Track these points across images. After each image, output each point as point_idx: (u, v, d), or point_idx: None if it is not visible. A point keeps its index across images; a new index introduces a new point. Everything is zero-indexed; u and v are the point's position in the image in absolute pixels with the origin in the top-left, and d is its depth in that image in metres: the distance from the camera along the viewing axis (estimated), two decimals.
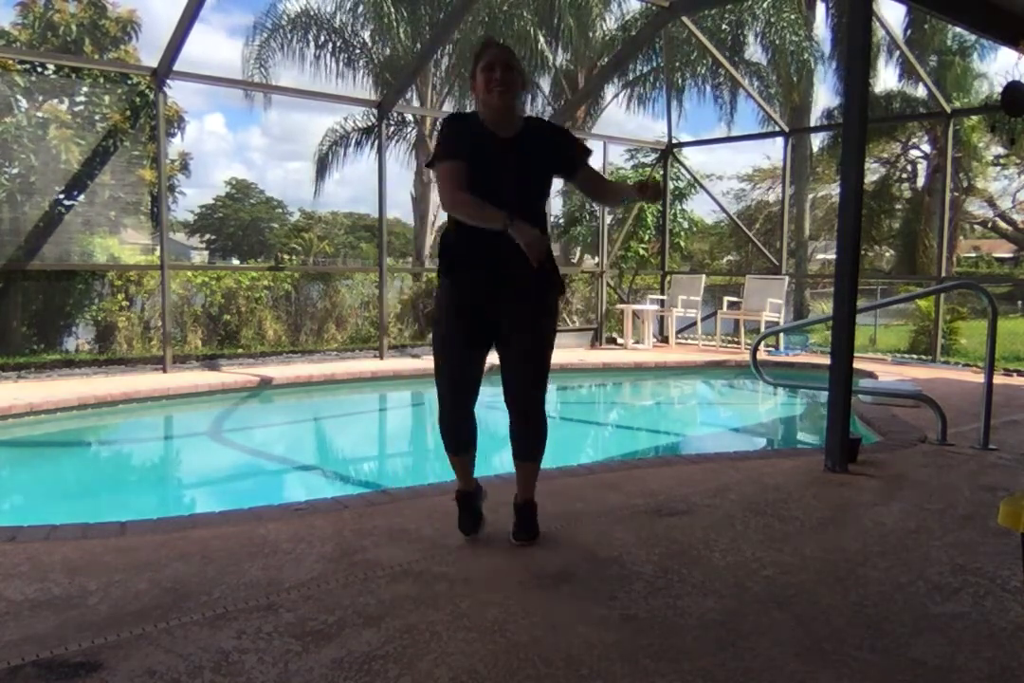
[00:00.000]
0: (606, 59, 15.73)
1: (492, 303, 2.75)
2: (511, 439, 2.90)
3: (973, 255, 30.67)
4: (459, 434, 2.90)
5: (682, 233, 12.72)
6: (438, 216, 18.03)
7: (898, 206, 21.18)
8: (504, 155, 2.69)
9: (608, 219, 11.54)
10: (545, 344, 2.82)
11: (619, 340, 10.77)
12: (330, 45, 15.50)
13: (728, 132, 16.35)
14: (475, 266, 2.73)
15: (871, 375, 7.50)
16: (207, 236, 45.22)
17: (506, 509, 3.18)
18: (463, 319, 2.78)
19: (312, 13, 15.32)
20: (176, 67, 7.32)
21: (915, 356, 9.77)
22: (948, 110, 9.43)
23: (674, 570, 2.66)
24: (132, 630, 2.17)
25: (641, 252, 12.00)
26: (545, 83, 17.14)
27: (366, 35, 15.85)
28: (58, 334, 8.49)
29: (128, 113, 8.41)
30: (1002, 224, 24.15)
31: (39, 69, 8.15)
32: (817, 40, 15.92)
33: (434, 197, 17.01)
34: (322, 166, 17.19)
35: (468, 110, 3.09)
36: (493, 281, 2.72)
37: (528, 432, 2.87)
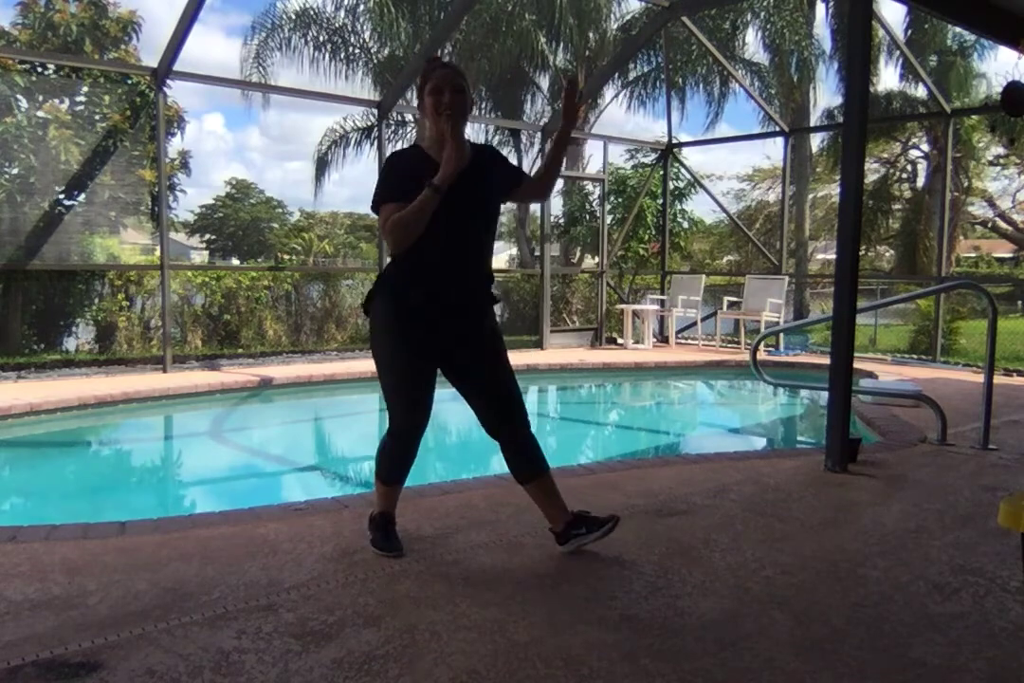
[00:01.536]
0: (606, 59, 15.74)
1: (434, 333, 2.67)
2: (509, 464, 2.81)
3: (973, 255, 30.66)
4: (404, 465, 2.80)
5: (682, 233, 12.72)
6: None
7: (898, 206, 21.17)
8: (468, 184, 2.60)
9: (608, 219, 11.54)
10: (506, 364, 2.78)
11: (619, 340, 10.77)
12: (329, 45, 15.50)
13: (711, 130, 16.37)
14: (417, 294, 2.64)
15: (871, 375, 7.50)
16: (207, 236, 45.20)
17: (506, 509, 3.18)
18: (419, 370, 2.69)
19: (312, 13, 15.31)
20: (175, 67, 7.33)
21: (915, 356, 9.77)
22: (948, 110, 9.43)
23: (674, 570, 2.66)
24: (132, 630, 2.17)
25: (641, 252, 11.99)
26: (545, 83, 17.14)
27: (366, 35, 15.85)
28: (58, 334, 8.48)
29: (128, 113, 8.40)
30: (1002, 224, 24.14)
31: (39, 69, 8.15)
32: (817, 40, 15.92)
33: None
34: (322, 166, 17.19)
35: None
36: (433, 310, 2.65)
37: (524, 452, 2.79)
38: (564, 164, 3.03)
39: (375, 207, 2.63)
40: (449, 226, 2.59)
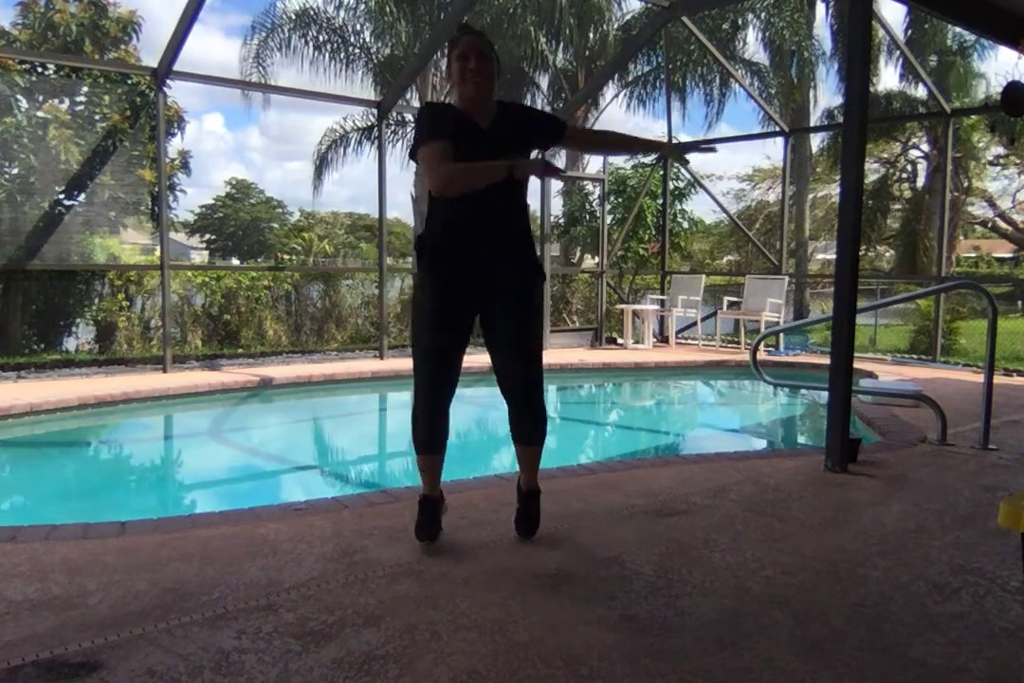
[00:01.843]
0: (606, 59, 15.74)
1: (475, 294, 2.76)
2: (511, 424, 2.88)
3: (973, 255, 30.66)
4: (433, 430, 2.84)
5: (682, 233, 12.73)
6: None
7: (898, 206, 21.18)
8: (484, 143, 2.68)
9: (608, 219, 11.54)
10: (535, 326, 2.84)
11: (619, 340, 10.77)
12: (329, 45, 15.50)
13: (709, 130, 16.38)
14: (457, 261, 2.73)
15: (871, 375, 7.50)
16: (207, 236, 45.21)
17: (506, 509, 3.18)
18: (443, 313, 2.75)
19: (312, 13, 15.31)
20: (175, 67, 7.33)
21: (915, 356, 9.77)
22: (948, 110, 9.43)
23: (674, 570, 2.66)
24: (132, 630, 2.17)
25: (641, 252, 12.00)
26: (545, 83, 17.15)
27: (366, 35, 15.86)
28: (58, 334, 8.49)
29: (128, 113, 8.40)
30: (1002, 224, 24.14)
31: (39, 69, 8.15)
32: (817, 40, 15.93)
33: None
34: (321, 166, 17.20)
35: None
36: (475, 274, 2.73)
37: (526, 415, 2.85)
38: (620, 149, 3.06)
39: (415, 150, 2.68)
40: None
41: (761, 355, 7.04)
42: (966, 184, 19.69)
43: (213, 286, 9.29)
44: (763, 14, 15.22)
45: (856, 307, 4.13)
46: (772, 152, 28.05)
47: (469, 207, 2.68)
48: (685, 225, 12.80)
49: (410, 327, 2.90)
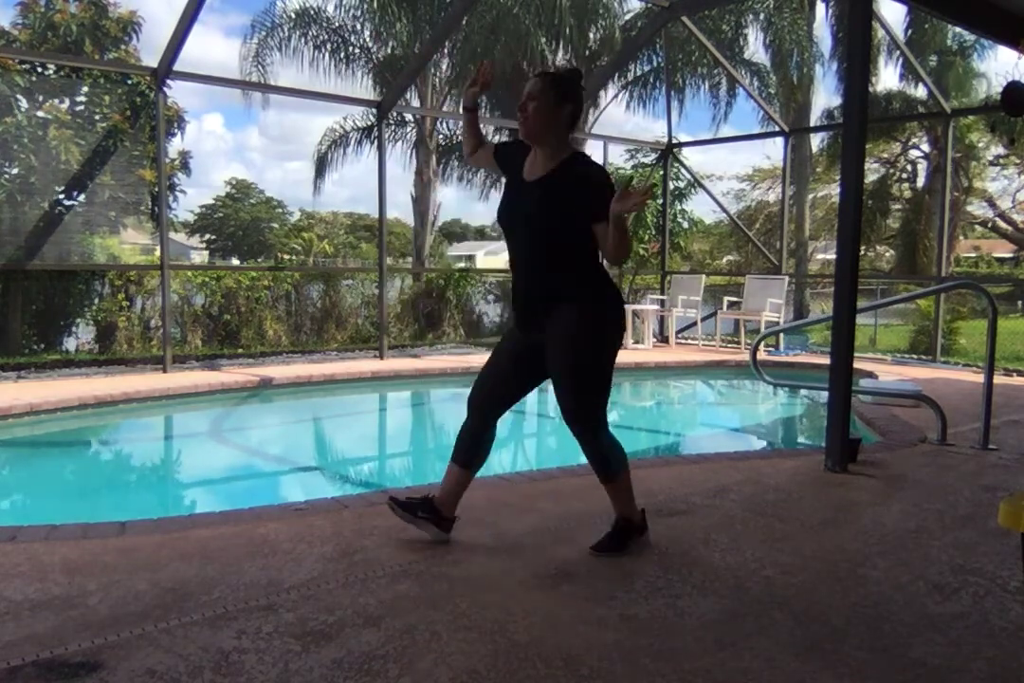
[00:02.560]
0: (606, 59, 15.73)
1: (530, 330, 2.81)
2: (483, 449, 2.94)
3: (973, 255, 30.66)
4: (472, 446, 2.87)
5: (682, 233, 12.73)
6: (438, 216, 18.02)
7: (898, 206, 21.17)
8: (520, 196, 2.74)
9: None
10: (573, 366, 2.70)
11: None
12: (329, 44, 15.48)
13: (718, 131, 16.36)
14: (513, 295, 2.87)
15: (871, 375, 7.50)
16: (207, 236, 45.22)
17: (506, 509, 3.18)
18: (508, 336, 2.94)
19: (312, 12, 15.30)
20: (175, 67, 7.32)
21: (915, 356, 9.77)
22: (948, 110, 9.43)
23: (674, 570, 2.66)
24: (132, 630, 2.17)
25: (641, 252, 12.00)
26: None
27: (366, 35, 15.84)
28: (58, 334, 8.48)
29: (128, 113, 8.40)
30: (1002, 224, 24.13)
31: (39, 69, 8.15)
32: (817, 40, 15.92)
33: (434, 197, 17.01)
34: (321, 166, 17.17)
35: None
36: (524, 314, 2.82)
37: (586, 453, 2.84)
38: (619, 243, 2.72)
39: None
40: (508, 230, 2.79)
41: (761, 355, 7.04)
42: (966, 184, 19.69)
43: (213, 286, 9.29)
44: (763, 14, 15.20)
45: (856, 307, 4.14)
46: (772, 152, 28.05)
47: (511, 254, 2.86)
48: (685, 225, 12.81)
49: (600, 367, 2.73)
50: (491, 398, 2.88)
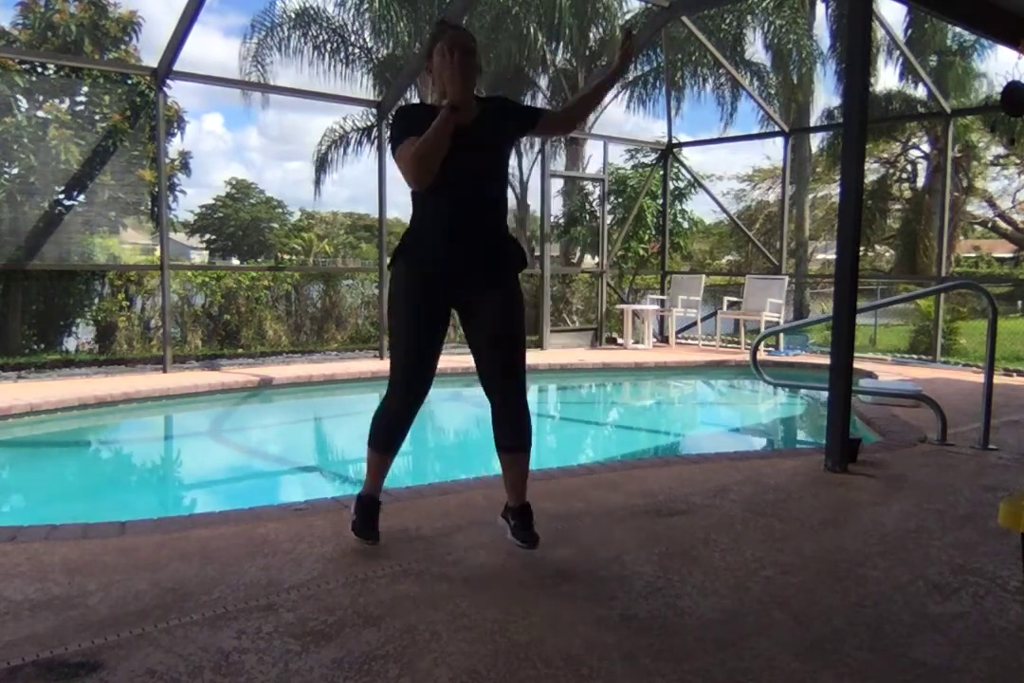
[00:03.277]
0: (606, 59, 15.73)
1: (452, 288, 2.72)
2: (495, 428, 2.80)
3: (973, 255, 30.66)
4: (399, 431, 2.83)
5: (682, 233, 12.73)
6: None
7: (898, 206, 21.18)
8: (460, 142, 2.56)
9: (608, 219, 11.54)
10: (517, 331, 2.76)
11: (619, 340, 10.77)
12: (329, 44, 15.48)
13: (723, 132, 16.37)
14: (433, 251, 2.69)
15: (871, 375, 7.50)
16: (207, 236, 45.18)
17: None
18: (421, 308, 2.71)
19: (312, 12, 15.30)
20: (175, 67, 7.33)
21: (915, 356, 9.78)
22: (948, 110, 9.43)
23: (674, 570, 2.66)
24: (132, 630, 2.17)
25: (641, 252, 12.00)
26: (545, 83, 17.14)
27: (366, 35, 15.84)
28: (58, 334, 8.48)
29: (128, 113, 8.40)
30: (1002, 224, 24.14)
31: (39, 69, 8.15)
32: (817, 40, 15.92)
33: None
34: (321, 166, 17.18)
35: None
36: (452, 265, 2.69)
37: (511, 418, 2.78)
38: (597, 97, 2.96)
39: (393, 150, 2.62)
40: (454, 181, 2.60)
41: (761, 355, 7.04)
42: (966, 184, 19.69)
43: (213, 286, 9.29)
44: (762, 14, 15.20)
45: (856, 307, 4.13)
46: (772, 152, 28.06)
47: (448, 209, 2.67)
48: (685, 225, 12.81)
49: (389, 321, 2.80)
50: (428, 378, 2.79)
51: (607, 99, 17.43)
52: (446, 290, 2.72)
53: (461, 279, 2.71)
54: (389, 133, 2.71)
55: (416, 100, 16.20)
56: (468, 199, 2.68)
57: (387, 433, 2.85)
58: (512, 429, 2.78)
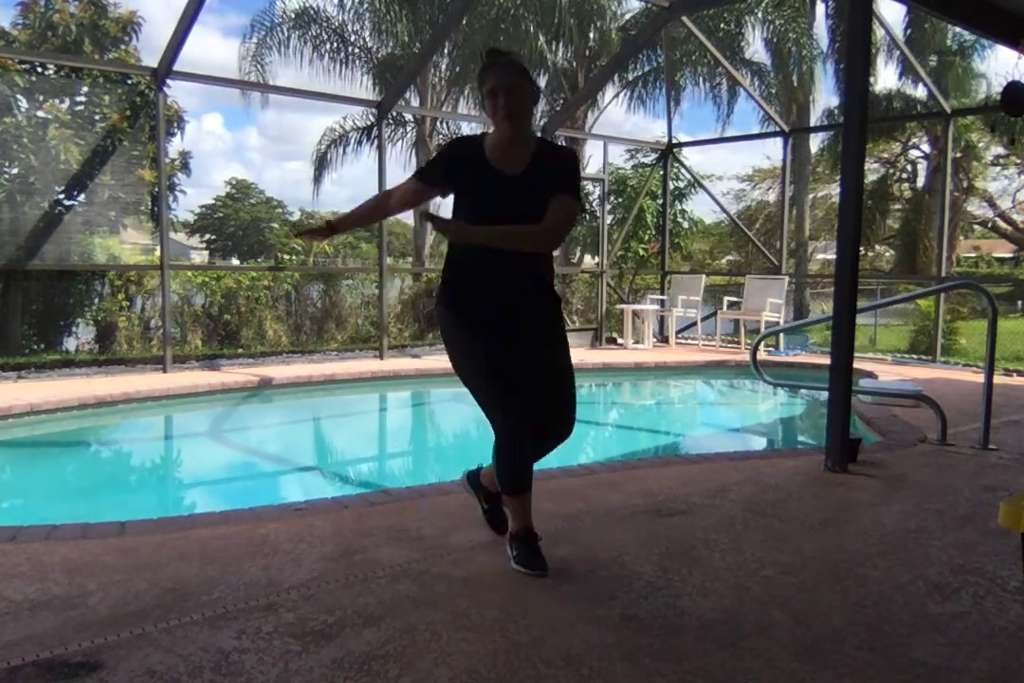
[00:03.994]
0: (606, 59, 15.73)
1: (502, 331, 2.63)
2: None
3: (973, 255, 30.66)
4: (526, 466, 2.66)
5: (682, 233, 12.73)
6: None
7: (898, 206, 21.17)
8: (511, 194, 2.53)
9: (608, 219, 11.54)
10: (557, 369, 2.71)
11: (619, 340, 10.77)
12: (329, 44, 15.48)
13: (723, 132, 16.38)
14: (481, 302, 2.62)
15: (871, 375, 7.50)
16: (207, 236, 45.18)
17: (507, 510, 3.17)
18: (477, 346, 2.61)
19: (311, 12, 15.29)
20: (175, 67, 7.33)
21: (915, 356, 9.77)
22: (948, 110, 9.43)
23: (674, 570, 2.66)
24: (132, 630, 2.17)
25: (641, 252, 12.00)
26: (545, 83, 17.12)
27: (366, 35, 15.84)
28: (58, 334, 8.48)
29: (128, 113, 8.40)
30: (1002, 224, 24.14)
31: (39, 69, 8.15)
32: (817, 40, 15.91)
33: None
34: (321, 166, 17.17)
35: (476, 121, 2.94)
36: (501, 312, 2.62)
37: (548, 452, 2.79)
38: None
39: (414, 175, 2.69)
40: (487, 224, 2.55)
41: (761, 355, 7.04)
42: (966, 184, 19.69)
43: (213, 286, 9.29)
44: (762, 14, 15.20)
45: (856, 307, 4.13)
46: (772, 152, 28.05)
47: (483, 253, 2.57)
48: (685, 225, 12.81)
49: (462, 377, 2.66)
50: (522, 407, 2.63)
51: (607, 99, 17.44)
52: (493, 325, 2.62)
53: (495, 318, 2.63)
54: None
55: (415, 101, 16.21)
56: (502, 252, 2.55)
57: (507, 474, 2.66)
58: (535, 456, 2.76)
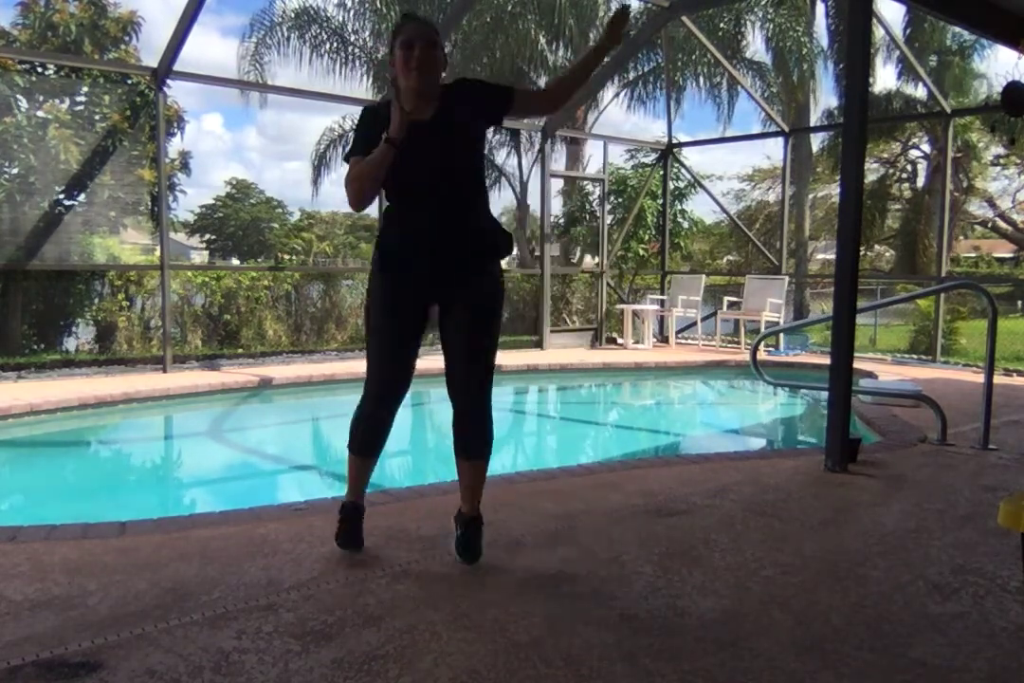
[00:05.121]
0: (606, 59, 15.72)
1: (428, 288, 2.64)
2: (457, 434, 2.74)
3: (973, 255, 30.66)
4: (376, 434, 2.74)
5: (682, 233, 12.72)
6: None
7: (898, 206, 21.17)
8: (425, 140, 2.48)
9: (608, 219, 11.54)
10: (487, 334, 2.69)
11: (619, 340, 10.77)
12: (328, 44, 15.47)
13: (724, 132, 16.37)
14: (406, 258, 2.61)
15: (871, 375, 7.50)
16: (207, 236, 45.20)
17: (507, 509, 3.18)
18: (395, 308, 2.65)
19: (311, 11, 15.29)
20: (175, 67, 7.33)
21: (915, 356, 9.77)
22: (948, 110, 9.43)
23: (674, 570, 2.66)
24: (132, 630, 2.17)
25: (641, 252, 11.99)
26: (544, 83, 17.12)
27: (366, 34, 15.84)
28: (58, 334, 8.47)
29: (128, 113, 8.40)
30: (1002, 224, 24.14)
31: (39, 69, 8.14)
32: (818, 40, 15.91)
33: None
34: (320, 166, 17.17)
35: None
36: (427, 268, 2.60)
37: (473, 427, 2.72)
38: (585, 83, 2.74)
39: (346, 160, 2.58)
40: (418, 178, 2.52)
41: (761, 355, 7.04)
42: (966, 184, 19.69)
43: (213, 286, 9.28)
44: (762, 13, 15.20)
45: (856, 307, 4.14)
46: (772, 152, 28.04)
47: (415, 205, 2.58)
48: (685, 225, 12.79)
49: (366, 323, 2.75)
50: (405, 379, 2.72)
51: (607, 99, 17.43)
52: (422, 289, 2.64)
53: (437, 278, 2.62)
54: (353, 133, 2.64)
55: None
56: (440, 198, 2.55)
57: (364, 435, 2.75)
58: (476, 436, 2.72)
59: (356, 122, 2.66)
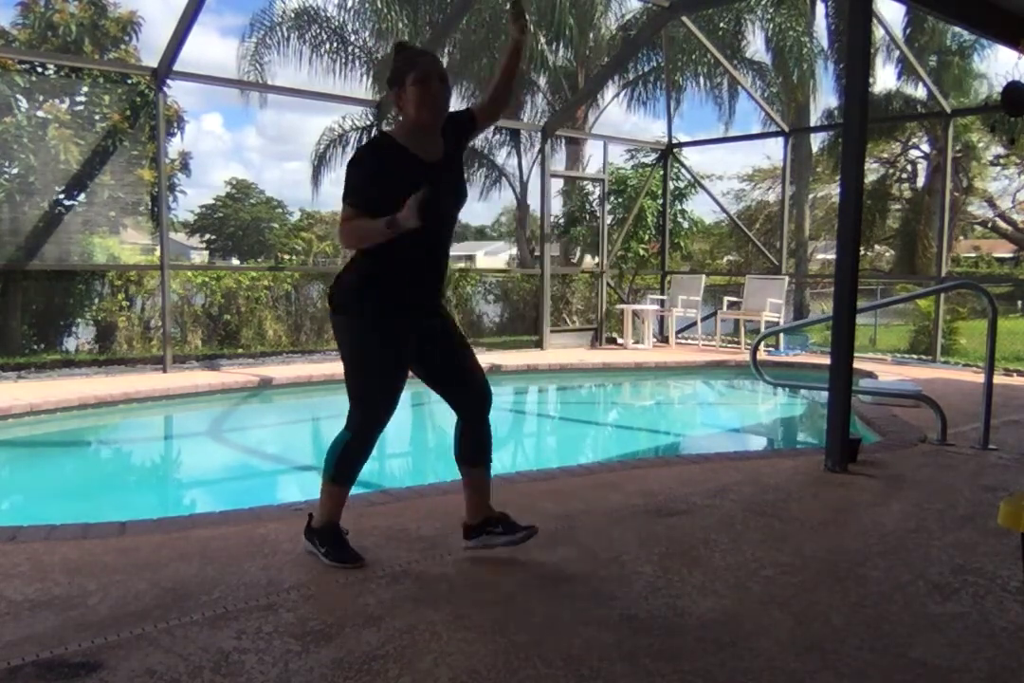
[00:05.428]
0: (606, 59, 15.74)
1: (421, 324, 2.69)
2: (462, 442, 2.78)
3: (973, 255, 30.66)
4: (364, 463, 2.79)
5: (682, 233, 12.72)
6: None
7: (898, 206, 21.17)
8: (439, 184, 2.51)
9: (608, 219, 11.54)
10: (472, 352, 2.83)
11: (619, 340, 10.77)
12: (328, 44, 15.47)
13: (726, 132, 16.37)
14: (404, 295, 2.61)
15: (871, 375, 7.50)
16: (207, 236, 45.21)
17: (507, 510, 3.17)
18: (403, 357, 2.66)
19: (311, 11, 15.28)
20: (175, 67, 7.33)
21: (915, 356, 9.77)
22: (948, 110, 9.43)
23: (674, 570, 2.66)
24: (132, 630, 2.17)
25: (641, 252, 11.99)
26: (545, 83, 17.13)
27: (366, 34, 15.83)
28: (58, 334, 8.47)
29: (128, 113, 8.40)
30: (1002, 224, 24.13)
31: (39, 69, 8.14)
32: (818, 40, 15.91)
33: None
34: (320, 166, 17.15)
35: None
36: (422, 304, 2.69)
37: (484, 435, 2.77)
38: (514, 78, 2.78)
39: (344, 199, 2.55)
40: (431, 222, 2.51)
41: (761, 355, 7.04)
42: (966, 184, 19.69)
43: (213, 286, 9.28)
44: (762, 13, 15.19)
45: (856, 307, 4.14)
46: (772, 152, 28.05)
47: (425, 251, 2.62)
48: (685, 225, 12.78)
49: (355, 369, 2.68)
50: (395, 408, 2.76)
51: (607, 99, 17.44)
52: (417, 324, 2.67)
53: (428, 311, 2.72)
54: (346, 176, 2.54)
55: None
56: (439, 234, 2.65)
57: (358, 468, 2.78)
58: (486, 442, 2.79)
59: (351, 163, 2.54)
